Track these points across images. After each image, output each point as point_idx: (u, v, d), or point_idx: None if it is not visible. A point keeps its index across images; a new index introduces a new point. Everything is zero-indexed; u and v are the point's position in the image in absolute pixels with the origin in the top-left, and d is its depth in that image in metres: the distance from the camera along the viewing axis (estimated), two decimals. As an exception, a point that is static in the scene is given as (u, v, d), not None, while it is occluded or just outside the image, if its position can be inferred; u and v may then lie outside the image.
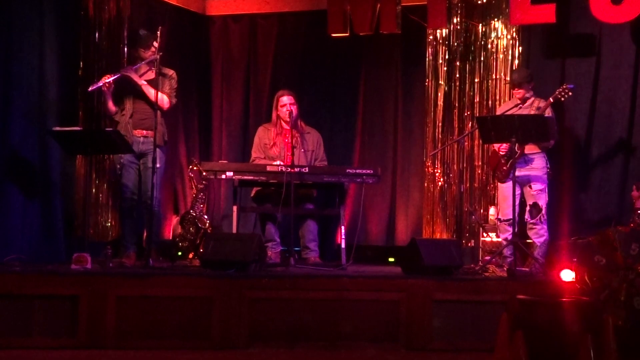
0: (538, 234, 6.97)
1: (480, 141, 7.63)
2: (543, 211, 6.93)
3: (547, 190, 7.01)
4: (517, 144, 6.66)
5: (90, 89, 6.91)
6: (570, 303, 4.96)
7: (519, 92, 7.10)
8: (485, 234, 7.43)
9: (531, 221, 6.96)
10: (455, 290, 5.80)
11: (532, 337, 4.75)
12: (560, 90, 6.81)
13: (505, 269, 6.46)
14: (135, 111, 6.83)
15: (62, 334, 5.55)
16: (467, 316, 5.73)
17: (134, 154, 6.80)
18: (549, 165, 7.03)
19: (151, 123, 6.56)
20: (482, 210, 7.82)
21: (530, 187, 6.99)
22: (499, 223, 7.14)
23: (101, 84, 6.75)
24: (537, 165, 6.98)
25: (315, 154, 7.53)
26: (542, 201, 6.96)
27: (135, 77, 6.80)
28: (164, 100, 6.74)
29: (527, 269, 6.63)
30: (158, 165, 6.68)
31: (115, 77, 6.76)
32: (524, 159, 6.89)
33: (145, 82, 6.80)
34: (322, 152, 7.60)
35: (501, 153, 6.98)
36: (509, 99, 7.66)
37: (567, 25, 7.77)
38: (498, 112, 7.28)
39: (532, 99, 7.06)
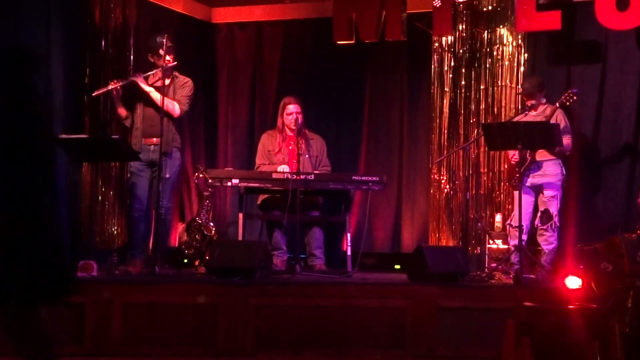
0: (547, 241, 6.95)
1: (486, 148, 7.62)
2: (555, 219, 6.92)
3: (560, 198, 7.01)
4: (528, 152, 6.70)
5: (95, 93, 6.95)
6: (577, 310, 4.96)
7: (532, 102, 7.11)
8: (491, 241, 7.41)
9: (541, 227, 6.95)
10: (462, 297, 5.79)
11: (539, 344, 4.76)
12: (566, 95, 6.88)
13: (511, 276, 6.45)
14: (145, 118, 6.85)
15: (68, 341, 5.53)
16: (473, 323, 5.71)
17: (144, 163, 6.81)
18: (564, 173, 7.03)
19: (160, 129, 6.57)
20: (487, 217, 7.81)
21: (542, 193, 6.99)
22: (510, 229, 7.14)
23: (107, 90, 6.80)
24: (551, 172, 6.97)
25: (319, 160, 7.54)
26: (554, 208, 6.94)
27: (143, 83, 6.82)
28: (174, 107, 6.77)
29: (533, 276, 6.62)
30: (167, 176, 6.71)
31: (123, 83, 6.80)
32: (537, 165, 6.91)
33: (153, 89, 6.82)
34: (325, 157, 7.61)
35: (513, 161, 7.00)
36: (514, 106, 7.71)
37: (572, 32, 7.77)
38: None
39: (544, 106, 7.08)
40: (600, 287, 5.48)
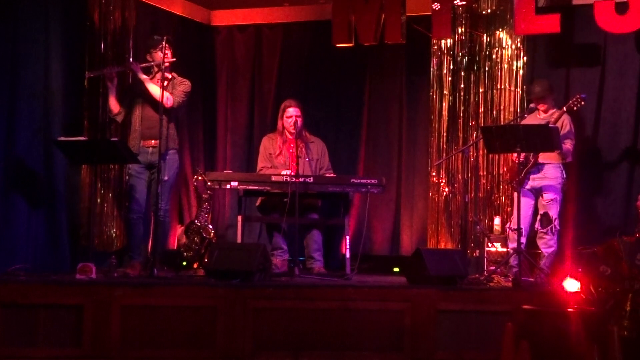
0: (547, 245, 6.96)
1: (485, 151, 7.63)
2: (554, 222, 6.92)
3: (559, 201, 7.01)
4: (531, 154, 6.74)
5: (89, 74, 6.97)
6: (576, 313, 4.95)
7: (542, 106, 7.13)
8: (490, 244, 7.42)
9: (541, 230, 6.96)
10: (460, 300, 5.79)
11: (538, 347, 4.75)
12: (574, 99, 6.93)
13: (510, 279, 6.45)
14: (144, 120, 6.86)
15: (67, 343, 5.55)
16: (472, 326, 5.71)
17: (142, 165, 6.81)
18: (564, 176, 7.04)
19: (158, 131, 6.57)
20: (486, 220, 7.81)
21: (542, 196, 7.00)
22: (509, 232, 7.14)
23: (101, 73, 6.87)
24: (551, 175, 6.99)
25: (320, 163, 7.54)
26: (553, 211, 6.95)
27: (139, 72, 6.83)
28: (168, 97, 6.76)
29: (532, 279, 6.62)
30: (166, 178, 6.71)
31: (119, 69, 6.85)
32: (537, 167, 6.93)
33: (148, 78, 6.83)
34: (327, 160, 7.62)
35: (517, 161, 7.01)
36: (513, 109, 7.72)
37: (571, 35, 7.78)
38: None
39: (552, 110, 7.10)
40: (598, 290, 5.48)
